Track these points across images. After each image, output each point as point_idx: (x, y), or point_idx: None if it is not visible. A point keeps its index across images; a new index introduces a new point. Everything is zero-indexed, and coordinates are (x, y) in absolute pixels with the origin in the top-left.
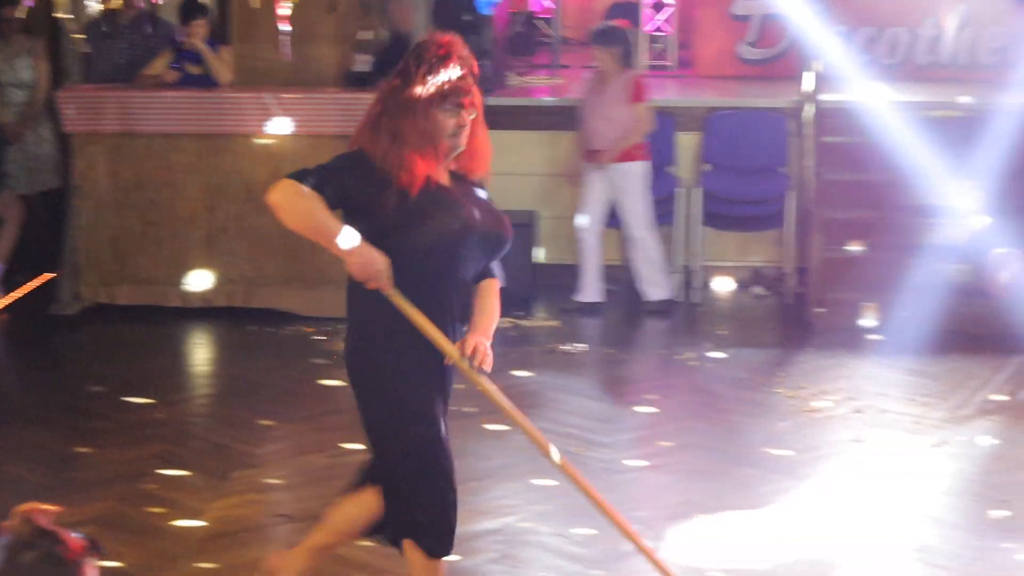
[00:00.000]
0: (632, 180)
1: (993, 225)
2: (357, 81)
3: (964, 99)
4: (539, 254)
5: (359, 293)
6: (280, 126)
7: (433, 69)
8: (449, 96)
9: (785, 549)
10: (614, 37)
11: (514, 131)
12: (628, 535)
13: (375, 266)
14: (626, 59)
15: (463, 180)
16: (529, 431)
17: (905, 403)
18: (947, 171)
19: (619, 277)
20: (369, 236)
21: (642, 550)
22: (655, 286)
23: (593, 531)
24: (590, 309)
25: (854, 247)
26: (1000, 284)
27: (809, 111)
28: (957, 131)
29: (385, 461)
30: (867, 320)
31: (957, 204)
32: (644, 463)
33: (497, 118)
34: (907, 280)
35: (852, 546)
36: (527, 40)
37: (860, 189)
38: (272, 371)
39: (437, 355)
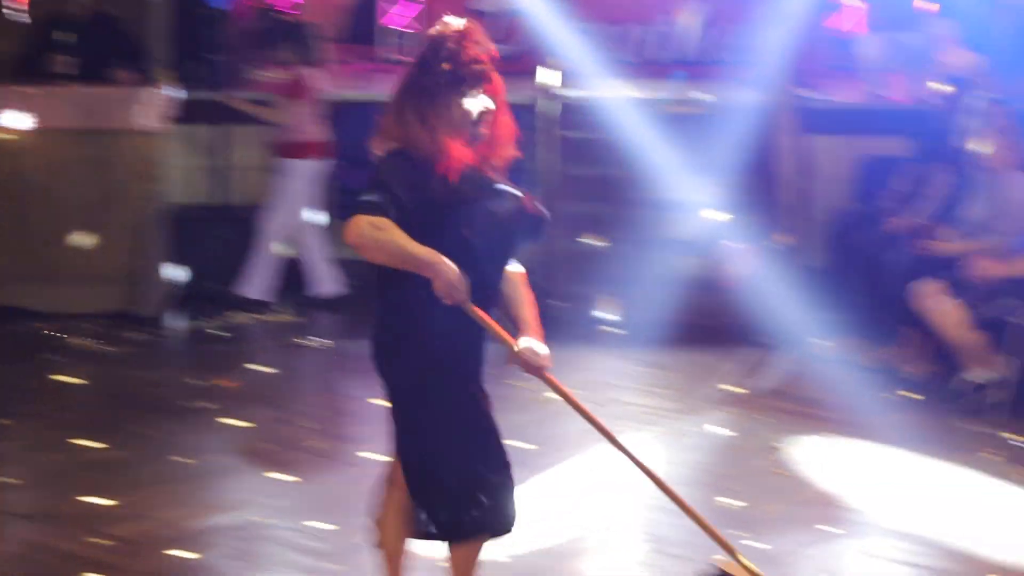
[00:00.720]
0: (293, 177)
1: (727, 220)
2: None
3: (701, 95)
4: (278, 248)
5: (402, 299)
6: (16, 120)
7: (452, 56)
8: (470, 83)
9: (523, 539)
10: (293, 35)
11: (258, 126)
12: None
13: (457, 283)
14: (304, 56)
15: (490, 166)
16: (591, 419)
17: (642, 394)
18: (683, 167)
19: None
20: (420, 228)
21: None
22: (322, 281)
23: (328, 526)
24: (330, 303)
25: (592, 241)
26: (732, 277)
27: (547, 106)
28: (692, 127)
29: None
30: (605, 313)
31: (693, 199)
32: (382, 457)
33: (241, 113)
34: (644, 273)
35: (588, 534)
36: (271, 36)
37: (600, 184)
38: (5, 368)
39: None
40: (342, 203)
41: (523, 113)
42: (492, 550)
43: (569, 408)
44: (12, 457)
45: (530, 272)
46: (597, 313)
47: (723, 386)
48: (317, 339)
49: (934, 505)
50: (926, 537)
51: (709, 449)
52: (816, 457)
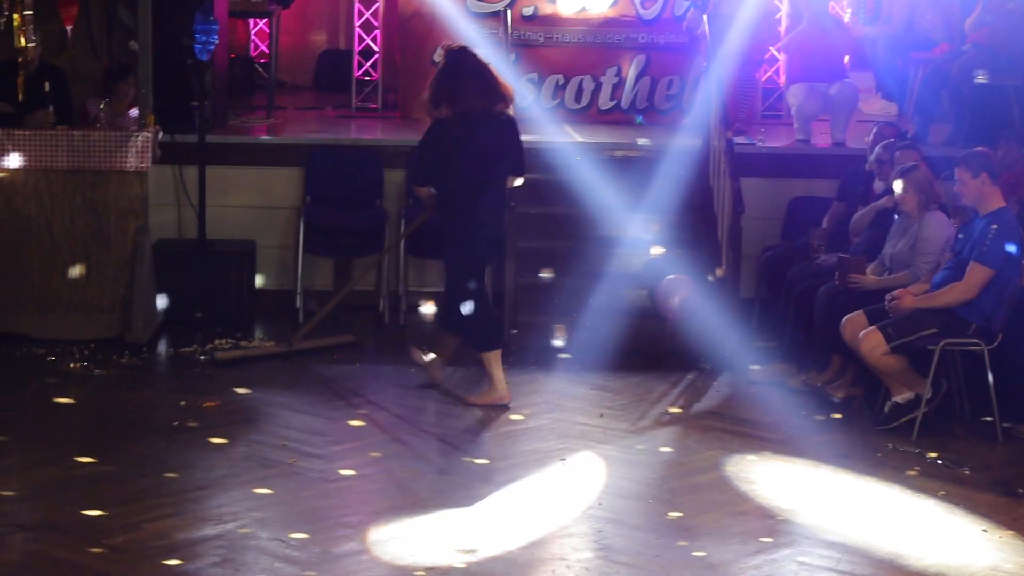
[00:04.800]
0: None
1: (666, 254)
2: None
3: (642, 141)
4: (259, 280)
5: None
6: (12, 161)
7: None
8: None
9: (483, 549)
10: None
11: (233, 167)
12: None
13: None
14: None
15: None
16: None
17: (591, 415)
18: (626, 206)
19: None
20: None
21: None
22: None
23: (308, 535)
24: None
25: (544, 274)
26: (672, 307)
27: None
28: (636, 170)
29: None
30: (556, 340)
31: (635, 235)
32: (355, 472)
33: (218, 154)
34: (591, 304)
35: (543, 545)
36: (246, 82)
37: (550, 221)
38: (6, 390)
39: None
40: (310, 238)
41: None
42: (450, 558)
43: (526, 427)
44: (11, 472)
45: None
46: (550, 340)
47: (666, 408)
48: (298, 363)
49: (861, 518)
50: (854, 547)
51: (655, 466)
52: (753, 473)
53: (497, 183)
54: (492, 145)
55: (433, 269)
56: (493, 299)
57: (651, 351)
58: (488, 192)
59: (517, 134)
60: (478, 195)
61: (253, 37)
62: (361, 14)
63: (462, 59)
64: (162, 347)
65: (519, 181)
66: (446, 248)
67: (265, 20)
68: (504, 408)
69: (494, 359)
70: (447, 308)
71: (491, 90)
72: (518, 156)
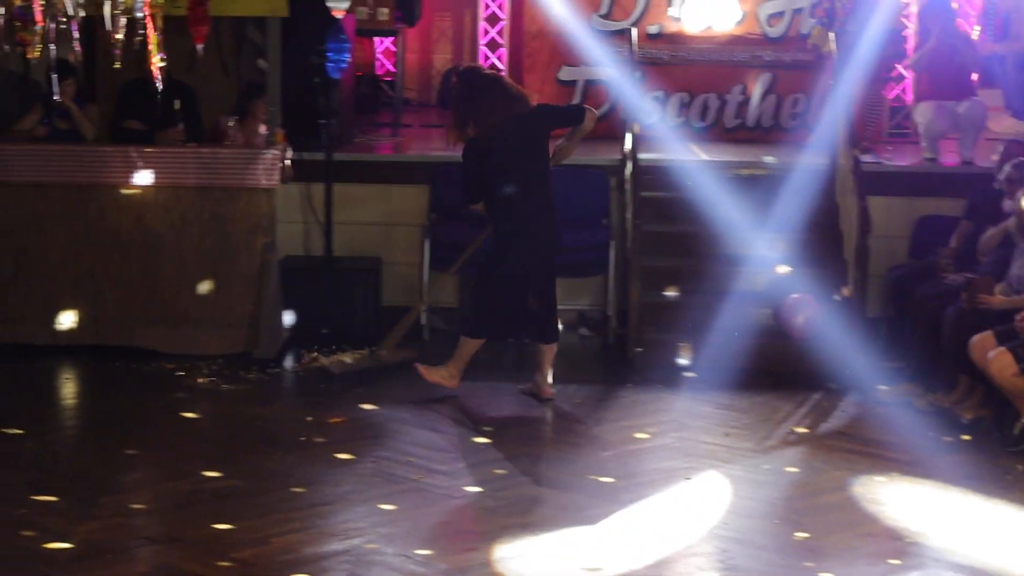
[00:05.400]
0: None
1: (792, 273)
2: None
3: (767, 159)
4: (384, 297)
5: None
6: (143, 178)
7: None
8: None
9: (607, 568)
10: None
11: (360, 184)
12: None
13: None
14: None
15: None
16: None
17: (717, 434)
18: (752, 224)
19: (456, 318)
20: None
21: None
22: None
23: (433, 552)
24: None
25: (669, 292)
26: (798, 326)
27: (629, 168)
28: (761, 188)
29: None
30: (682, 359)
31: (761, 254)
32: (480, 489)
33: (345, 172)
34: (717, 322)
35: (668, 565)
36: (372, 101)
37: (675, 240)
38: (136, 404)
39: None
40: (436, 255)
41: (606, 174)
42: None
43: (651, 446)
44: (141, 486)
45: (609, 319)
46: (675, 359)
47: (792, 427)
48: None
49: (990, 541)
50: (983, 570)
51: (782, 486)
52: (881, 494)
53: (540, 183)
54: (525, 146)
55: (557, 285)
56: (618, 317)
57: (777, 370)
58: (534, 194)
59: (546, 111)
60: (524, 201)
61: (378, 56)
62: (486, 32)
63: (472, 78)
64: (289, 363)
65: (589, 124)
66: (492, 256)
67: (391, 39)
68: (543, 402)
69: (470, 349)
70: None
71: (508, 99)
72: (561, 115)
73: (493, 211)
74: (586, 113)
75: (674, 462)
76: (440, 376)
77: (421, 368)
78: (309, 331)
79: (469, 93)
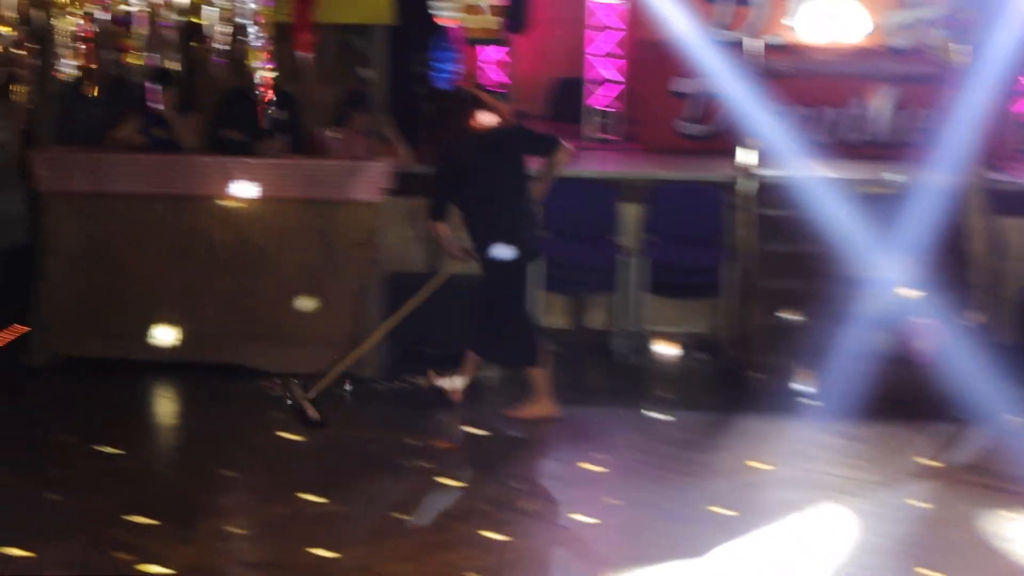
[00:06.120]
0: None
1: (917, 296)
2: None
3: (893, 176)
4: None
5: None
6: (243, 190)
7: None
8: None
9: None
10: None
11: None
12: None
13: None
14: None
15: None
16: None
17: (839, 465)
18: (875, 244)
19: (565, 339)
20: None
21: None
22: None
23: None
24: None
25: (788, 315)
26: (923, 352)
27: (746, 185)
28: (885, 206)
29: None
30: (803, 385)
31: (884, 275)
32: (592, 519)
33: None
34: (839, 347)
35: None
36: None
37: (796, 260)
38: (235, 424)
39: None
40: (550, 273)
41: (722, 191)
42: None
43: (772, 477)
44: (240, 509)
45: (729, 345)
46: (794, 385)
47: (919, 459)
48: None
49: None
50: None
51: (909, 521)
52: (1013, 531)
53: (515, 197)
54: (502, 164)
55: (670, 306)
56: (735, 341)
57: (902, 398)
58: (507, 208)
59: (521, 134)
60: (499, 215)
61: (484, 65)
62: (595, 42)
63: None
64: (393, 383)
65: (563, 157)
66: (493, 279)
67: (499, 48)
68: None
69: (542, 376)
70: (487, 333)
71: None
72: (533, 142)
73: (473, 230)
74: (559, 146)
75: (794, 494)
76: (536, 411)
77: (512, 412)
78: (413, 351)
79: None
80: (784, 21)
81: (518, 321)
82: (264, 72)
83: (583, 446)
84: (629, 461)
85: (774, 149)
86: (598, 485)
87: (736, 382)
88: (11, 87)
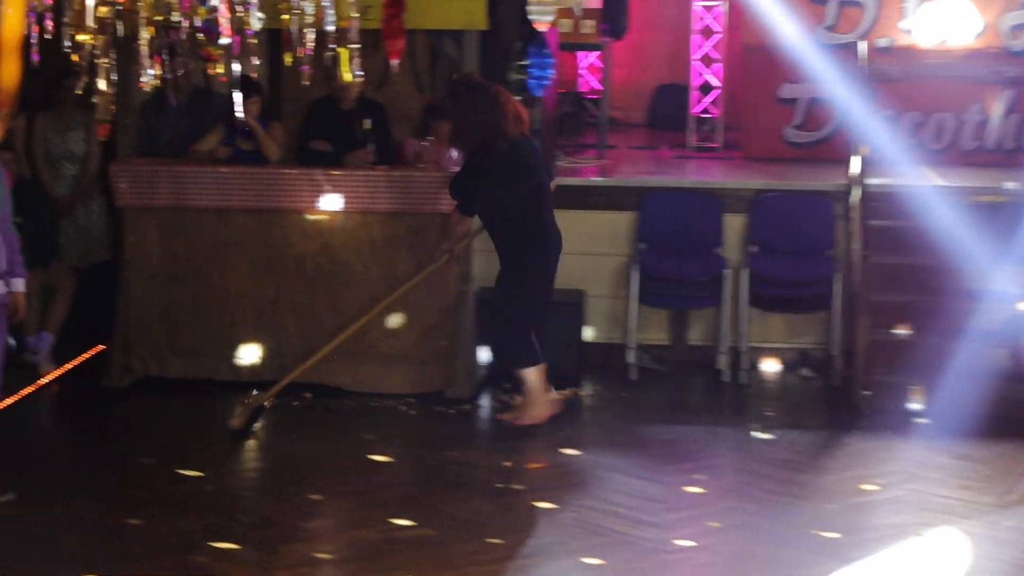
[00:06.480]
0: None
1: None
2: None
3: (1010, 185)
4: (587, 333)
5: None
6: (330, 202)
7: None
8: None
9: None
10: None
11: (562, 210)
12: None
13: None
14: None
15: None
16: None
17: (953, 487)
18: (991, 256)
19: (665, 356)
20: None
21: None
22: None
23: None
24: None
25: (901, 330)
26: None
27: (856, 195)
28: (1002, 216)
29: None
30: (914, 403)
31: (1001, 289)
32: (693, 543)
33: None
34: (953, 364)
35: None
36: (575, 120)
37: (907, 273)
38: (321, 445)
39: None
40: (648, 288)
41: (830, 201)
42: None
43: (881, 498)
44: (328, 533)
45: (833, 359)
46: (904, 403)
47: None
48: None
49: None
50: None
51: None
52: None
53: (548, 200)
54: (536, 162)
55: (775, 321)
56: (844, 357)
57: (1018, 416)
58: (547, 210)
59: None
60: (544, 215)
61: (582, 71)
62: (700, 47)
63: (479, 87)
64: (485, 403)
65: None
66: (510, 274)
67: (596, 53)
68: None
69: (535, 377)
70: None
71: (516, 116)
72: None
73: (504, 227)
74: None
75: (905, 517)
76: (532, 416)
77: (507, 417)
78: (506, 369)
79: (481, 103)
80: (898, 24)
81: (520, 321)
82: (352, 80)
83: (683, 467)
84: (731, 482)
85: (884, 156)
86: (699, 507)
87: (843, 400)
88: (92, 98)
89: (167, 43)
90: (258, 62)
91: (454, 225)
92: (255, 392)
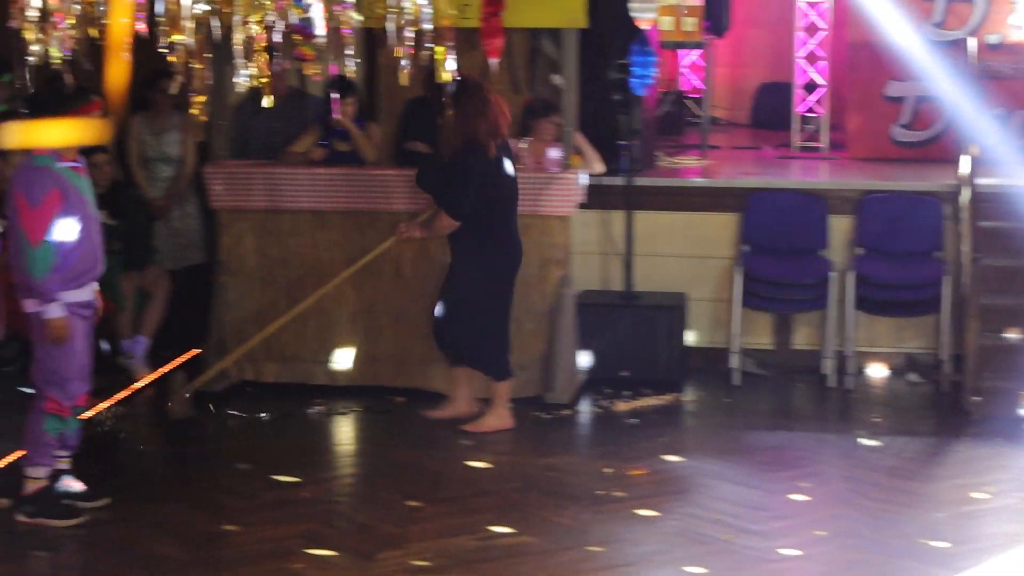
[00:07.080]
0: None
1: None
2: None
3: None
4: (689, 337)
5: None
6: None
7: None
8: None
9: None
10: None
11: (663, 212)
12: None
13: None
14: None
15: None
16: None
17: None
18: None
19: (769, 360)
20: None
21: None
22: None
23: None
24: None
25: (1012, 334)
26: None
27: (966, 195)
28: None
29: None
30: None
31: None
32: (798, 552)
33: (646, 198)
34: None
35: None
36: (676, 120)
37: (1018, 275)
38: (418, 451)
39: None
40: (752, 291)
41: (939, 202)
42: None
43: (992, 507)
44: (426, 540)
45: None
46: (1016, 409)
47: None
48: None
49: None
50: None
51: None
52: None
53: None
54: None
55: (882, 325)
56: (953, 362)
57: None
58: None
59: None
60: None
61: (684, 70)
62: (804, 44)
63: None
64: (585, 408)
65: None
66: (476, 281)
67: (698, 52)
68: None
69: (506, 390)
70: (462, 338)
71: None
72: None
73: (477, 231)
74: None
75: (1017, 526)
76: (491, 424)
77: (469, 427)
78: (606, 373)
79: (482, 107)
80: (1008, 20)
81: (500, 331)
82: (449, 80)
83: (788, 474)
84: (837, 490)
85: (994, 156)
86: (804, 515)
87: (952, 406)
88: (187, 99)
89: (262, 43)
90: (356, 61)
91: (441, 229)
92: (186, 379)
